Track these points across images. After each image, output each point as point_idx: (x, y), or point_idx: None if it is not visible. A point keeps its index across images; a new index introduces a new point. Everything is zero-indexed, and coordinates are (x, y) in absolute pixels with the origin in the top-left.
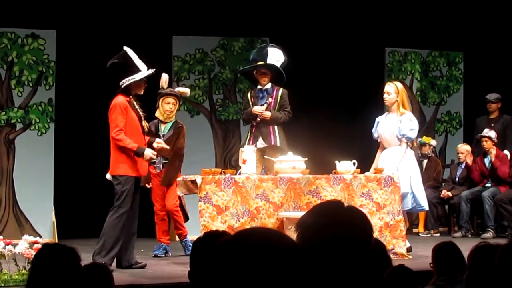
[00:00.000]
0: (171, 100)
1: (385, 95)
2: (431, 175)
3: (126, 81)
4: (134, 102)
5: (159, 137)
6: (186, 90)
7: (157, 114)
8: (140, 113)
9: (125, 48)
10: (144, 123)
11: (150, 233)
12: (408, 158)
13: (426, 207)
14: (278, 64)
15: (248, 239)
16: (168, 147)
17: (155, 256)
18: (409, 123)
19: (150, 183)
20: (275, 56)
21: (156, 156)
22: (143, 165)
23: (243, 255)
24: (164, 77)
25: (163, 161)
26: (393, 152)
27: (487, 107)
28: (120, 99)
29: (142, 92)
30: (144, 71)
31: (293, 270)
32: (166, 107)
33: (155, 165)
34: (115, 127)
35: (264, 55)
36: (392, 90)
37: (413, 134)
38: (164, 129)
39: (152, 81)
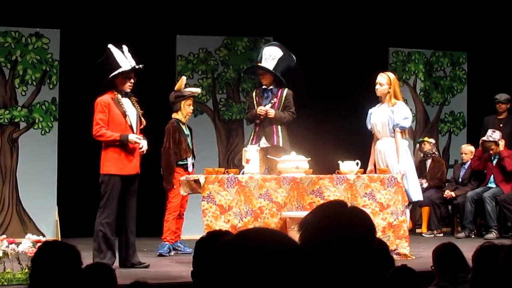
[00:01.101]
0: (191, 102)
1: (377, 86)
2: (435, 175)
3: (108, 78)
4: (121, 99)
5: (186, 139)
6: (198, 90)
7: (177, 116)
8: (125, 109)
9: (109, 45)
10: (142, 120)
11: (153, 232)
12: (401, 151)
13: (418, 198)
14: (274, 62)
15: (250, 239)
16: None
17: (160, 255)
18: (401, 112)
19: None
20: (270, 55)
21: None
22: (131, 163)
23: (245, 255)
24: (184, 80)
25: (192, 161)
26: (387, 144)
27: (496, 107)
28: (103, 97)
29: (128, 90)
30: (125, 66)
31: (295, 271)
32: (188, 109)
33: (188, 167)
34: (95, 125)
35: (261, 57)
36: (385, 81)
37: (407, 123)
38: (186, 130)
39: (155, 80)
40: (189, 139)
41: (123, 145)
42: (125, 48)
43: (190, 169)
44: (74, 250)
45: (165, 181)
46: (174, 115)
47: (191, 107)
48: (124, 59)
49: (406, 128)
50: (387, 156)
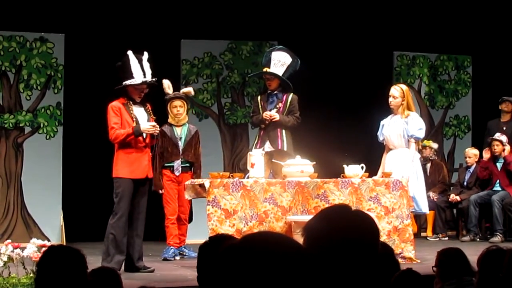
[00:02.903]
0: (177, 103)
1: (390, 99)
2: (437, 179)
3: (119, 85)
4: (131, 105)
5: (178, 141)
6: (189, 89)
7: (169, 120)
8: (135, 114)
9: (129, 52)
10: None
11: (158, 237)
12: (415, 161)
13: (426, 211)
14: (284, 68)
15: (255, 243)
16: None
17: (165, 259)
18: (416, 123)
19: (163, 189)
20: (279, 60)
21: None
22: (141, 167)
23: (250, 259)
24: (166, 83)
25: (182, 165)
26: (401, 153)
27: (501, 107)
28: (114, 102)
29: (137, 99)
30: (138, 78)
31: (300, 275)
32: (174, 111)
33: (174, 169)
34: (110, 129)
35: (269, 61)
36: (398, 93)
37: (421, 133)
38: (181, 132)
39: (160, 85)
40: (181, 142)
41: (134, 148)
42: (145, 56)
43: (177, 172)
44: (79, 254)
45: (153, 185)
46: (168, 119)
47: (177, 109)
48: (139, 70)
49: (421, 138)
50: (400, 166)
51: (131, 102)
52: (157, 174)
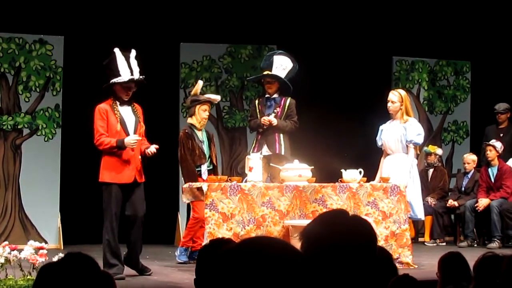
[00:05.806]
0: (207, 107)
1: (389, 104)
2: (437, 185)
3: (106, 84)
4: (118, 106)
5: (202, 145)
6: (217, 97)
7: (192, 121)
8: (122, 116)
9: (115, 49)
10: (141, 125)
11: (156, 240)
12: (412, 167)
13: (422, 217)
14: (285, 72)
15: (253, 248)
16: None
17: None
18: (415, 129)
19: None
20: (281, 64)
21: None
22: (125, 172)
23: (247, 263)
24: (200, 84)
25: (208, 168)
26: (399, 158)
27: (496, 117)
28: (101, 104)
29: (124, 98)
30: (125, 76)
31: (297, 280)
32: (203, 114)
33: (202, 173)
34: (95, 133)
35: (270, 64)
36: (396, 98)
37: (420, 139)
38: (202, 136)
39: (155, 87)
40: (205, 146)
41: (120, 153)
42: (133, 53)
43: (204, 176)
44: (94, 263)
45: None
46: (189, 120)
47: (207, 113)
48: (126, 68)
49: (419, 144)
50: (397, 171)
51: (118, 103)
52: (195, 178)
